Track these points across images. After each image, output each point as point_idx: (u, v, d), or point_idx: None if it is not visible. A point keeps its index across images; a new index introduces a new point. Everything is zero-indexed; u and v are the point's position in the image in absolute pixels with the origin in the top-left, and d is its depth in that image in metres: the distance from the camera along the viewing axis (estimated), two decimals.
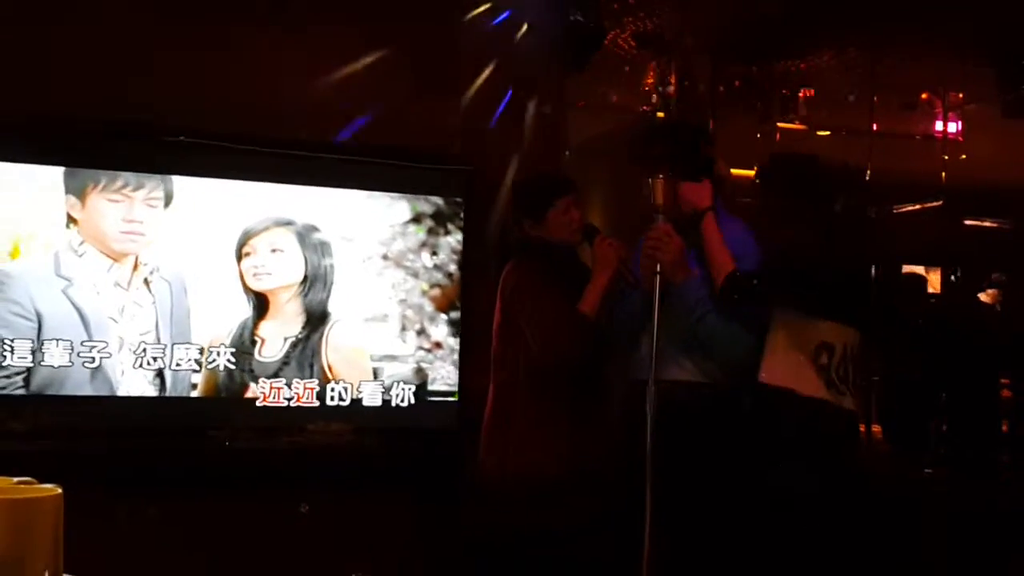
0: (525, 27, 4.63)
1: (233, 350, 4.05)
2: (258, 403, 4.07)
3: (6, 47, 3.76)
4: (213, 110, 4.01)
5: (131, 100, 3.89)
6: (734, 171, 6.01)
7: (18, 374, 3.77)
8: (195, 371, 4.01)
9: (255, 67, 4.16)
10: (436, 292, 4.32)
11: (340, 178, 4.25)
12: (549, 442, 3.27)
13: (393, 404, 4.23)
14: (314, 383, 4.14)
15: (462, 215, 4.36)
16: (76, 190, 3.85)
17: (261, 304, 4.10)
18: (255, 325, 4.09)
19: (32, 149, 3.84)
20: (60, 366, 3.79)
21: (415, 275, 4.30)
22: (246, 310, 4.09)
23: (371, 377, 4.23)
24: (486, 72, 4.58)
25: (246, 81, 4.12)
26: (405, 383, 4.26)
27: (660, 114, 5.19)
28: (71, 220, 3.84)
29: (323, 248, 4.19)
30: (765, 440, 3.03)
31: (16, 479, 1.38)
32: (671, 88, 5.21)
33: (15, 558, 1.21)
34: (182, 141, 3.99)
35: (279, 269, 4.14)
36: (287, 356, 4.12)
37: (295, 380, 4.12)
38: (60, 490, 1.30)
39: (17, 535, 1.22)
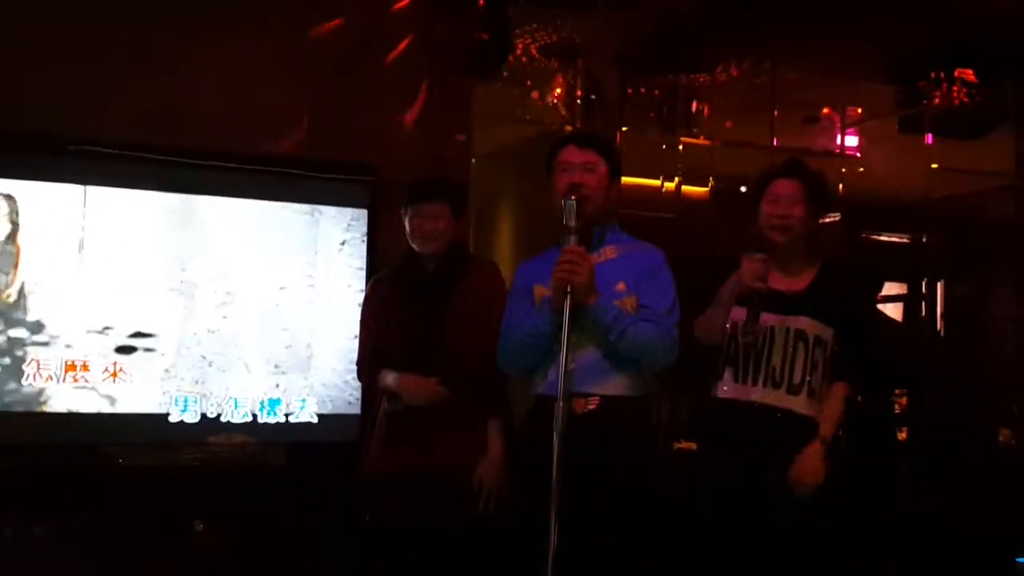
0: (432, 37, 4.60)
1: None
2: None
3: None
4: (113, 117, 3.95)
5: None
6: (641, 181, 6.07)
7: None
8: None
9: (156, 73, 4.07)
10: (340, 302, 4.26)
11: (240, 189, 4.14)
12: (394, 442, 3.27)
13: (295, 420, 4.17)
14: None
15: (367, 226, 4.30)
16: None
17: None
18: None
19: None
20: None
21: (322, 284, 4.24)
22: None
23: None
24: (392, 81, 4.55)
25: (146, 88, 4.03)
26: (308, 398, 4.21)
27: (567, 127, 5.19)
28: None
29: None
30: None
31: None
32: (578, 99, 5.21)
33: None
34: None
35: None
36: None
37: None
38: None
39: None
